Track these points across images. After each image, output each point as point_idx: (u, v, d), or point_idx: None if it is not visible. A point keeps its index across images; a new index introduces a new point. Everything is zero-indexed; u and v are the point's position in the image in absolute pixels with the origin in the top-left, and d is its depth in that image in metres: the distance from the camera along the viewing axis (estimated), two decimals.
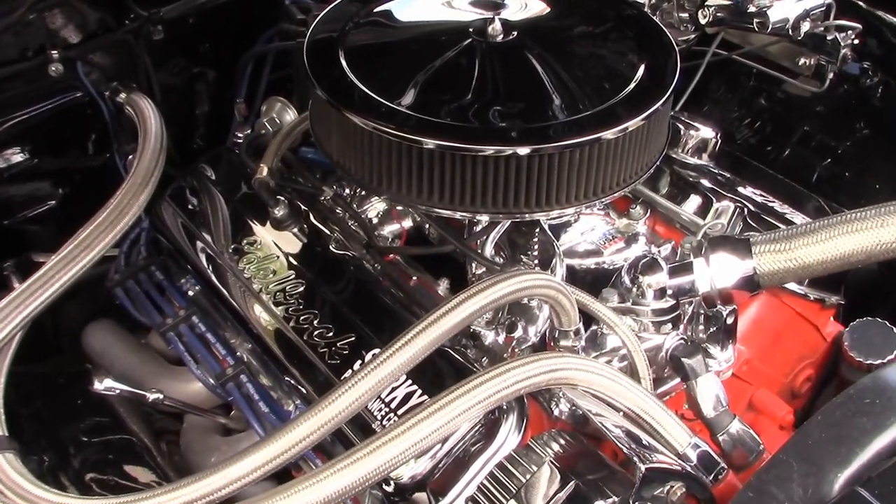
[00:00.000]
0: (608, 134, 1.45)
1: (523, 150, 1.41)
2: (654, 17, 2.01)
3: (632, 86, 1.52)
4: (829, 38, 1.98)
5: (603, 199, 1.52)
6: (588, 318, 1.48)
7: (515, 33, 1.60)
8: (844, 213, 1.44)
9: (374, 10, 1.70)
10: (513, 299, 1.34)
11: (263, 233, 1.74)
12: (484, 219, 1.54)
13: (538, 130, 1.45)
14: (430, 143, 1.43)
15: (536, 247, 1.60)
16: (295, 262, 1.68)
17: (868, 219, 1.40)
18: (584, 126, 1.45)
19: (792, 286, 1.67)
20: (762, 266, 1.42)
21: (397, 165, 1.47)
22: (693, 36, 2.08)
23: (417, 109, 1.47)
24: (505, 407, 1.37)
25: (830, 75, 2.00)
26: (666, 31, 1.68)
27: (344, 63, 1.56)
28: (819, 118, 2.15)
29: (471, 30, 1.60)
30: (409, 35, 1.69)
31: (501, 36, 1.59)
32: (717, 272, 1.43)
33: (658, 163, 1.60)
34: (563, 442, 1.34)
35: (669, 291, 1.47)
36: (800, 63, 2.03)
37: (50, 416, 1.76)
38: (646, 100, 1.50)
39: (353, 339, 1.53)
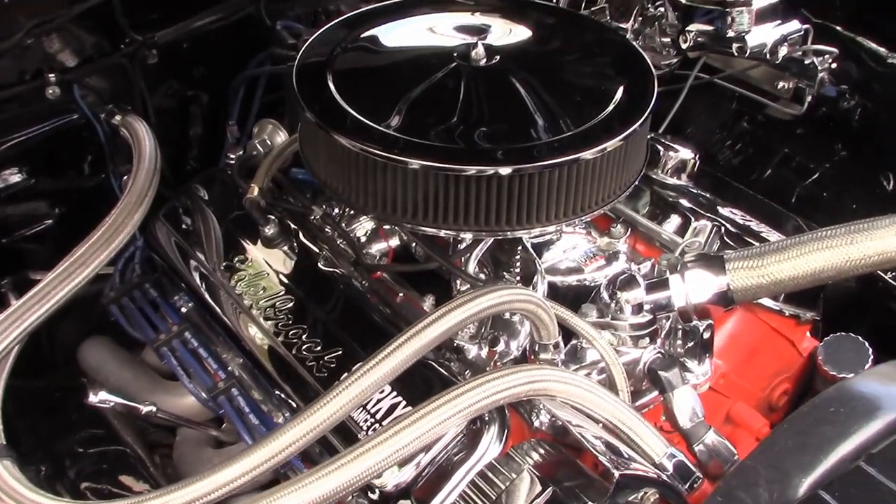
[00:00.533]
0: (587, 154, 1.50)
1: (505, 170, 1.47)
2: (637, 42, 2.09)
3: (610, 108, 1.58)
4: (806, 62, 2.04)
5: (583, 218, 1.57)
6: (568, 333, 1.53)
7: (498, 58, 1.66)
8: (815, 230, 1.50)
9: (361, 36, 1.76)
10: (492, 313, 1.38)
11: (254, 251, 1.78)
12: (468, 237, 1.58)
13: (519, 151, 1.50)
14: (415, 164, 1.48)
15: (518, 264, 1.65)
16: (285, 279, 1.73)
17: (837, 237, 1.46)
18: (563, 147, 1.51)
19: (767, 302, 1.72)
20: (735, 282, 1.47)
21: (383, 185, 1.52)
22: (675, 60, 2.14)
23: (403, 131, 1.53)
24: (487, 418, 1.41)
25: (809, 98, 2.07)
26: (644, 55, 1.73)
27: (332, 86, 1.61)
28: (799, 140, 2.21)
29: (455, 54, 1.66)
30: (395, 59, 1.75)
31: (485, 60, 1.65)
32: (692, 288, 1.48)
33: (636, 183, 1.65)
34: (542, 451, 1.38)
35: (647, 307, 1.52)
36: (779, 86, 2.09)
37: (47, 429, 1.80)
38: (624, 121, 1.56)
39: (340, 352, 1.57)
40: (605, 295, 1.54)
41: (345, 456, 1.24)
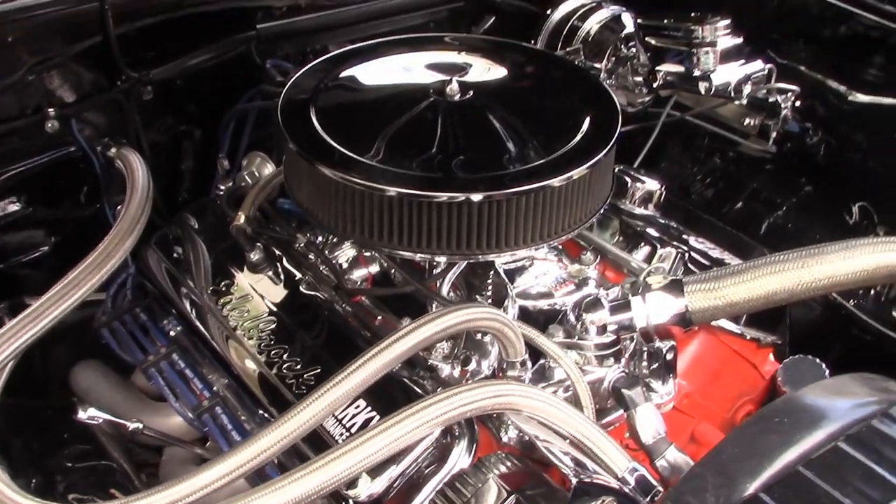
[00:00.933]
0: (555, 182, 1.59)
1: (476, 197, 1.56)
2: (610, 81, 2.19)
3: (576, 139, 1.67)
4: (770, 100, 2.14)
5: (551, 242, 1.66)
6: (538, 353, 1.61)
7: (472, 93, 1.75)
8: (769, 255, 1.58)
9: (342, 74, 1.86)
10: (459, 330, 1.46)
11: (240, 276, 1.85)
12: (442, 260, 1.67)
13: (490, 179, 1.59)
14: (391, 191, 1.57)
15: (490, 288, 1.73)
16: (268, 303, 1.80)
17: (790, 261, 1.54)
18: (532, 175, 1.60)
19: (730, 326, 1.80)
20: (693, 304, 1.55)
21: (360, 212, 1.60)
22: (648, 98, 2.24)
23: (380, 160, 1.62)
24: (457, 432, 1.48)
25: (774, 134, 2.16)
26: (610, 91, 1.82)
27: (314, 119, 1.70)
28: (767, 175, 2.30)
29: (431, 90, 1.75)
30: (375, 94, 1.85)
31: (459, 95, 1.74)
32: (652, 309, 1.57)
33: (602, 210, 1.74)
34: (508, 463, 1.46)
35: (610, 328, 1.60)
36: (745, 123, 2.19)
37: (38, 446, 1.86)
38: (589, 152, 1.65)
39: (318, 371, 1.63)
40: (571, 316, 1.63)
41: (317, 461, 1.31)
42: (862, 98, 2.14)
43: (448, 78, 1.76)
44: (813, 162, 2.22)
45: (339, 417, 1.52)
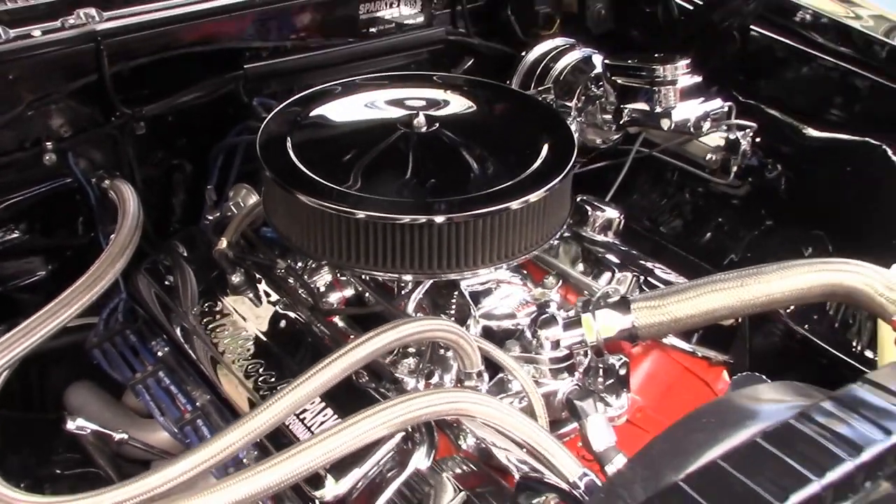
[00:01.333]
0: (513, 205, 1.71)
1: (439, 219, 1.68)
2: (580, 119, 2.31)
3: (534, 166, 1.79)
4: (730, 136, 2.26)
5: (511, 262, 1.78)
6: (499, 368, 1.71)
7: (437, 125, 1.88)
8: (712, 275, 1.69)
9: (318, 109, 1.99)
10: (415, 340, 1.58)
11: (224, 299, 1.97)
12: (408, 279, 1.78)
13: (452, 202, 1.72)
14: (360, 214, 1.69)
15: (454, 307, 1.84)
16: (249, 323, 1.92)
17: (730, 280, 1.65)
18: (491, 198, 1.72)
19: (682, 345, 1.91)
20: (639, 320, 1.66)
21: (331, 234, 1.73)
22: (617, 136, 2.36)
23: (349, 187, 1.74)
24: (417, 439, 1.59)
25: (734, 169, 2.27)
26: (567, 123, 1.95)
27: (289, 150, 1.83)
28: (731, 208, 2.41)
29: (399, 123, 1.88)
30: (346, 127, 1.98)
31: (425, 127, 1.87)
32: (601, 326, 1.67)
33: (559, 234, 1.85)
34: (463, 466, 1.56)
35: (564, 343, 1.71)
36: (707, 158, 2.30)
37: (31, 457, 1.97)
38: (546, 177, 1.77)
39: None
40: (527, 333, 1.74)
41: (280, 455, 1.42)
42: (819, 134, 2.26)
43: (415, 112, 1.89)
44: (774, 196, 2.33)
45: (308, 424, 1.63)
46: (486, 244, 1.71)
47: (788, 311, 2.12)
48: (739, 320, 1.96)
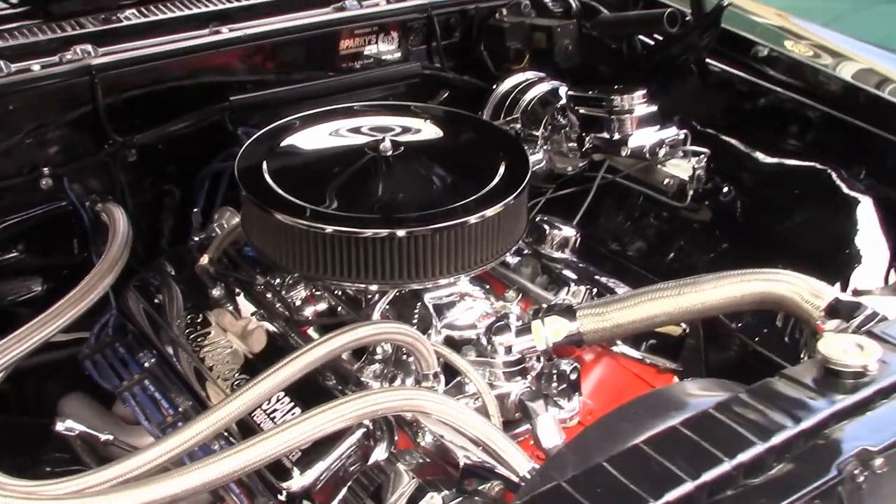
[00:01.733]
0: (471, 219, 1.86)
1: (401, 232, 1.82)
2: (546, 147, 2.46)
3: (491, 185, 1.94)
4: (685, 162, 2.40)
5: (469, 273, 1.92)
6: (457, 373, 1.85)
7: (402, 149, 2.03)
8: (653, 285, 1.83)
9: (292, 136, 2.15)
10: (372, 341, 1.72)
11: (206, 313, 2.11)
12: (373, 289, 1.92)
13: (413, 217, 1.86)
14: (327, 229, 1.84)
15: (417, 317, 1.98)
16: (230, 335, 2.06)
17: (669, 289, 1.79)
18: (450, 213, 1.86)
19: (632, 352, 2.03)
20: (584, 326, 1.80)
21: (301, 248, 1.87)
22: (583, 163, 2.50)
23: (318, 204, 1.89)
24: (378, 435, 1.73)
25: (691, 193, 2.41)
26: (523, 146, 2.10)
27: (264, 172, 1.98)
28: (691, 231, 2.55)
29: (366, 147, 2.03)
30: (318, 150, 2.12)
31: (391, 151, 2.02)
32: (549, 331, 1.81)
33: (515, 247, 1.99)
34: (419, 459, 1.69)
35: (516, 348, 1.84)
36: (665, 183, 2.44)
37: (24, 459, 2.10)
38: (501, 195, 1.91)
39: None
40: (482, 339, 1.87)
41: (242, 444, 1.55)
42: (770, 160, 2.41)
43: (381, 136, 2.04)
44: (730, 218, 2.48)
45: (278, 422, 1.76)
46: (446, 256, 1.85)
47: (739, 325, 2.26)
48: (688, 330, 2.08)
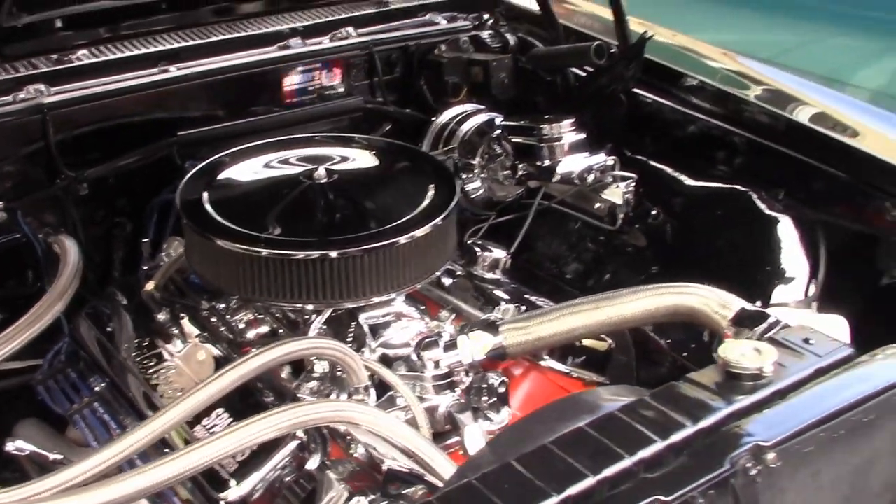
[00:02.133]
0: (401, 240, 1.96)
1: (333, 254, 1.92)
2: (483, 175, 2.57)
3: (419, 208, 2.05)
4: (614, 187, 2.51)
5: (400, 292, 2.02)
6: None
7: (336, 176, 2.13)
8: (573, 300, 1.93)
9: (233, 166, 2.25)
10: (301, 356, 1.81)
11: (151, 335, 2.20)
12: (309, 308, 2.01)
13: (345, 239, 1.96)
14: (263, 252, 1.94)
15: (352, 336, 2.07)
16: (175, 359, 2.15)
17: (587, 303, 1.90)
18: (380, 235, 1.97)
19: (559, 366, 2.13)
20: (507, 340, 1.90)
21: (238, 271, 1.97)
22: (520, 189, 2.61)
23: (255, 229, 1.99)
24: (312, 447, 1.82)
25: (621, 216, 2.52)
26: (451, 172, 2.21)
27: (204, 201, 2.08)
28: (624, 253, 2.66)
29: (302, 175, 2.14)
30: (255, 179, 2.24)
31: (326, 178, 2.12)
32: (474, 346, 1.91)
33: (446, 266, 2.11)
34: (349, 467, 1.78)
35: (443, 363, 1.94)
36: (596, 207, 2.55)
37: None
38: (430, 216, 2.02)
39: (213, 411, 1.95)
40: (413, 355, 1.97)
41: (178, 452, 1.63)
42: (695, 184, 2.53)
43: (316, 166, 2.15)
44: (660, 240, 2.59)
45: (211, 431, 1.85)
46: (377, 276, 1.96)
47: (668, 341, 2.36)
48: (614, 344, 2.19)
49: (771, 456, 1.46)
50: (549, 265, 2.75)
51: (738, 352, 1.60)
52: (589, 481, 1.40)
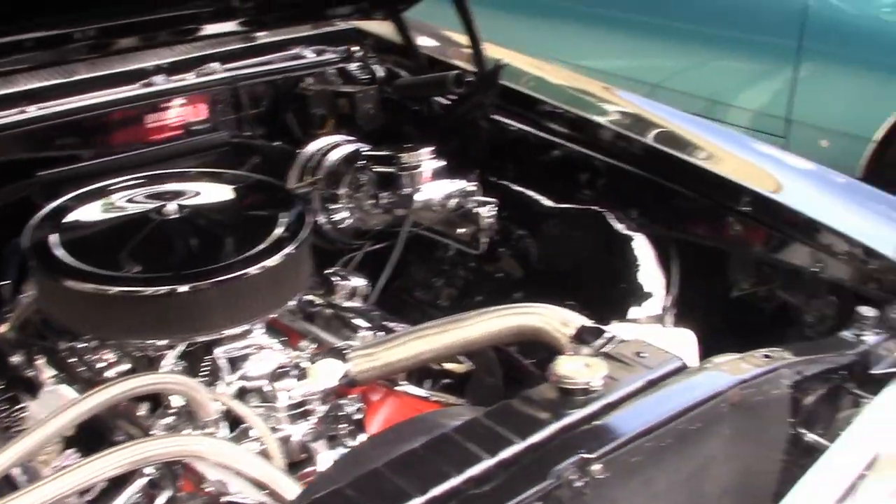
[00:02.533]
0: (252, 270, 1.98)
1: (182, 288, 1.93)
2: (350, 205, 2.60)
3: (270, 239, 2.07)
4: (474, 211, 2.56)
5: (254, 323, 2.03)
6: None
7: (187, 211, 2.15)
8: (422, 324, 1.97)
9: (82, 207, 2.25)
10: (150, 390, 1.82)
11: (7, 379, 2.19)
12: (161, 344, 2.02)
13: (195, 273, 1.97)
14: (112, 290, 1.94)
15: (208, 370, 2.08)
16: (32, 401, 2.13)
17: (434, 327, 1.93)
18: (230, 267, 1.99)
19: (418, 391, 2.16)
20: (355, 367, 1.93)
21: (85, 311, 1.97)
22: (387, 217, 2.64)
23: (105, 268, 1.99)
24: (163, 485, 1.82)
25: (484, 240, 2.57)
26: (303, 205, 2.24)
27: (51, 242, 2.08)
28: (492, 277, 2.72)
29: (151, 211, 2.15)
30: (104, 218, 2.24)
31: (177, 214, 2.13)
32: (322, 374, 1.93)
33: (299, 298, 2.12)
34: (199, 501, 1.79)
35: (294, 393, 1.96)
36: (458, 232, 2.60)
37: None
38: (280, 248, 2.04)
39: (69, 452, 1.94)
40: (265, 386, 1.98)
41: (16, 493, 1.62)
42: (553, 205, 2.60)
43: (166, 202, 2.16)
44: (525, 261, 2.65)
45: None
46: (228, 308, 1.97)
47: (532, 362, 2.41)
48: (475, 366, 2.23)
49: (597, 467, 1.50)
50: (419, 292, 2.79)
51: (570, 367, 1.65)
52: (416, 501, 1.43)
